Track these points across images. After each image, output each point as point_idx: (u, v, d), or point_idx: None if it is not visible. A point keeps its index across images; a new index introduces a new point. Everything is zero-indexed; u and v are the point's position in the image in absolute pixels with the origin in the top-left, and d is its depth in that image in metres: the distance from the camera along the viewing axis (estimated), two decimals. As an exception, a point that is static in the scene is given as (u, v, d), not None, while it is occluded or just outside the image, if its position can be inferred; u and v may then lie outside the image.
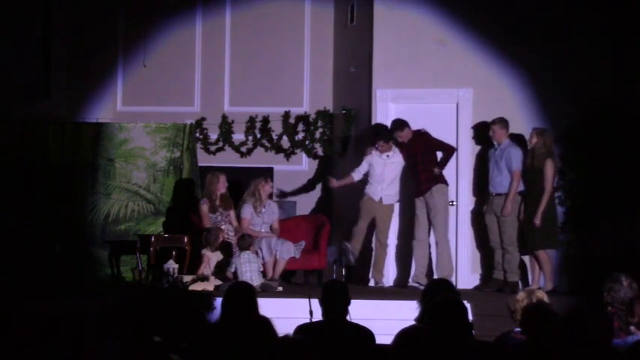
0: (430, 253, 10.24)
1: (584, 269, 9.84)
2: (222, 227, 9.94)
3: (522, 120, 10.31)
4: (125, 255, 10.78)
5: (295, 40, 12.12)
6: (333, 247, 10.45)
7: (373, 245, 10.44)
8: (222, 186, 10.21)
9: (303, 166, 12.00)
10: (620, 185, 10.07)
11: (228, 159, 11.86)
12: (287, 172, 11.92)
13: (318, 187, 11.94)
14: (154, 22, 12.16)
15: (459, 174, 10.58)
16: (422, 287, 8.54)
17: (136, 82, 12.20)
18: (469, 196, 10.59)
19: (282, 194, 11.77)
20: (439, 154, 10.25)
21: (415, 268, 10.17)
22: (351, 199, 10.64)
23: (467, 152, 10.59)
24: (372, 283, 10.36)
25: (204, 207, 10.15)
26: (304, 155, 11.95)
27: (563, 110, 10.31)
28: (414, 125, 10.26)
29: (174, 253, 9.75)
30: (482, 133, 10.40)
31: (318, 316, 5.80)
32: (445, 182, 10.19)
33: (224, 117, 11.92)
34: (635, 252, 9.80)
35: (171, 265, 9.37)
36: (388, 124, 10.35)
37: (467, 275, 10.47)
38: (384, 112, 10.66)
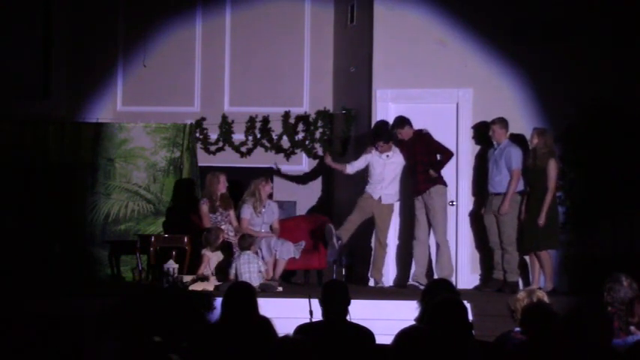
0: (430, 253, 10.24)
1: (584, 269, 9.84)
2: (222, 227, 9.94)
3: (522, 120, 10.31)
4: (125, 255, 10.78)
5: (295, 40, 12.12)
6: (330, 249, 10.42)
7: (373, 245, 10.45)
8: (222, 186, 10.21)
9: (303, 166, 12.01)
10: (620, 185, 10.07)
11: (228, 159, 11.86)
12: (287, 172, 11.92)
13: (318, 186, 11.94)
14: (154, 22, 12.16)
15: (459, 174, 10.58)
16: (422, 287, 8.55)
17: (136, 82, 12.20)
18: (469, 196, 10.60)
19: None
20: (439, 156, 10.24)
21: (415, 268, 10.17)
22: (351, 200, 10.64)
23: (467, 152, 10.59)
24: (371, 283, 10.36)
25: (204, 207, 10.15)
26: (304, 155, 11.96)
27: (563, 110, 10.31)
28: (414, 125, 10.25)
29: (174, 253, 9.76)
30: (482, 133, 10.40)
31: (318, 316, 5.80)
32: (444, 183, 10.18)
33: (224, 117, 11.93)
34: (635, 252, 9.80)
35: (171, 265, 9.37)
36: (390, 122, 10.38)
37: (467, 275, 10.47)
38: (384, 112, 10.66)
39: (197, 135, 11.74)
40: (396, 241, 10.68)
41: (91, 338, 5.02)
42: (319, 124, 11.84)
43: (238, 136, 11.93)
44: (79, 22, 12.15)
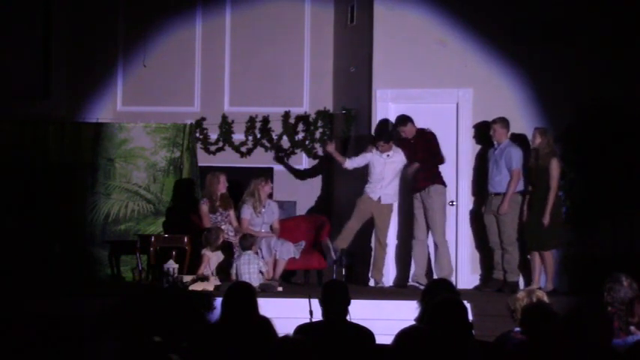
0: (429, 253, 10.24)
1: (584, 269, 9.83)
2: (222, 227, 9.94)
3: (522, 120, 10.31)
4: (125, 255, 10.78)
5: (295, 40, 12.12)
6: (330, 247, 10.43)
7: (372, 245, 10.44)
8: (222, 186, 10.22)
9: (303, 166, 12.01)
10: (620, 185, 10.07)
11: (228, 159, 11.86)
12: (287, 172, 11.93)
13: (318, 186, 11.94)
14: (154, 22, 12.16)
15: (459, 174, 10.58)
16: (422, 287, 8.54)
17: (136, 82, 12.20)
18: (469, 196, 10.60)
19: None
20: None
21: (415, 268, 10.18)
22: (350, 200, 10.63)
23: (467, 152, 10.59)
24: (372, 283, 10.36)
25: (204, 207, 10.16)
26: (304, 155, 11.96)
27: (563, 110, 10.31)
28: (416, 126, 10.25)
29: (174, 253, 9.76)
30: (482, 132, 10.40)
31: (318, 316, 5.80)
32: (443, 183, 10.18)
33: (224, 117, 11.93)
34: (635, 252, 9.80)
35: (171, 265, 9.37)
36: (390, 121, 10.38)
37: (467, 275, 10.47)
38: (384, 112, 10.66)
39: (197, 135, 11.74)
40: (396, 241, 10.68)
41: (91, 338, 5.02)
42: (319, 124, 11.84)
43: (238, 136, 11.93)
44: (79, 22, 12.15)
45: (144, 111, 11.91)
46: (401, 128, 10.23)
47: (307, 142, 11.89)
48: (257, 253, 9.61)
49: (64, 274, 10.49)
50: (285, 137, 11.89)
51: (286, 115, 11.89)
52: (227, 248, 9.78)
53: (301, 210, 11.75)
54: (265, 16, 12.14)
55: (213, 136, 11.92)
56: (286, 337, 4.30)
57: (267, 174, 11.06)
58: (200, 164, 11.35)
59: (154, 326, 4.92)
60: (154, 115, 11.73)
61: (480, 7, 10.61)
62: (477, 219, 10.41)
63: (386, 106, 10.73)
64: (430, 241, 10.20)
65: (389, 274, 10.57)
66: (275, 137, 11.91)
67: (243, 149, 11.94)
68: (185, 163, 11.25)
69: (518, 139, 10.12)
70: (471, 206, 10.57)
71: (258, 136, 11.95)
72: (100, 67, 12.17)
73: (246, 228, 10.06)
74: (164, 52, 12.15)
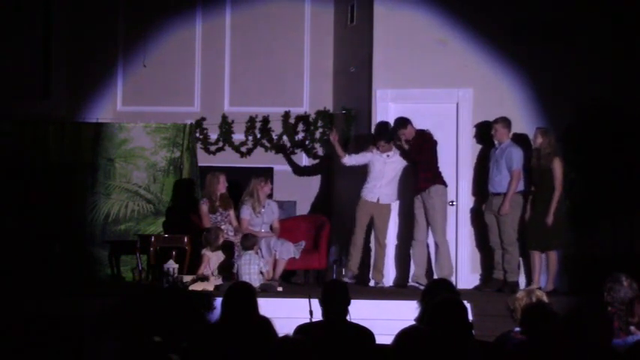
0: (429, 253, 10.23)
1: (584, 269, 9.83)
2: (222, 227, 9.94)
3: (522, 120, 10.31)
4: (125, 255, 10.78)
5: (295, 40, 12.11)
6: (333, 247, 10.44)
7: (372, 245, 10.44)
8: (222, 186, 10.22)
9: (303, 166, 12.01)
10: (620, 185, 10.07)
11: (228, 159, 11.86)
12: (287, 172, 11.93)
13: (318, 186, 11.94)
14: (154, 22, 12.16)
15: (459, 174, 10.58)
16: (422, 287, 8.55)
17: (136, 82, 12.20)
18: (469, 196, 10.59)
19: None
20: (440, 157, 10.20)
21: (415, 268, 10.17)
22: (350, 199, 10.63)
23: (467, 152, 10.59)
24: (372, 283, 10.36)
25: (204, 207, 10.16)
26: (304, 155, 11.96)
27: (563, 110, 10.31)
28: (415, 126, 10.24)
29: (174, 253, 9.76)
30: (483, 132, 10.40)
31: (318, 316, 5.80)
32: (444, 183, 10.18)
33: (224, 117, 11.93)
34: (635, 252, 9.80)
35: (171, 265, 9.37)
36: (391, 122, 10.37)
37: (467, 275, 10.47)
38: (384, 112, 10.66)
39: (197, 135, 11.74)
40: (396, 242, 10.68)
41: (91, 338, 5.03)
42: (319, 124, 11.84)
43: (238, 136, 11.93)
44: (79, 22, 12.15)
45: (144, 111, 11.91)
46: (401, 131, 10.21)
47: (307, 142, 11.89)
48: (257, 253, 9.60)
49: (64, 274, 10.48)
50: (285, 137, 11.89)
51: (286, 115, 11.89)
52: (228, 248, 9.78)
53: (301, 210, 11.75)
54: (265, 16, 12.14)
55: (213, 136, 11.92)
56: (286, 337, 4.31)
57: (267, 174, 11.06)
58: (200, 164, 11.35)
59: (154, 326, 4.93)
60: (154, 115, 11.73)
61: (480, 7, 10.61)
62: (477, 217, 10.40)
63: (386, 106, 10.73)
64: (430, 241, 10.20)
65: (389, 275, 10.57)
66: (275, 137, 11.90)
67: (243, 149, 11.94)
68: (185, 163, 11.25)
69: (520, 139, 10.12)
70: (471, 206, 10.57)
71: (258, 136, 11.95)
72: (100, 67, 12.18)
73: (245, 228, 10.06)
74: (164, 52, 12.15)
